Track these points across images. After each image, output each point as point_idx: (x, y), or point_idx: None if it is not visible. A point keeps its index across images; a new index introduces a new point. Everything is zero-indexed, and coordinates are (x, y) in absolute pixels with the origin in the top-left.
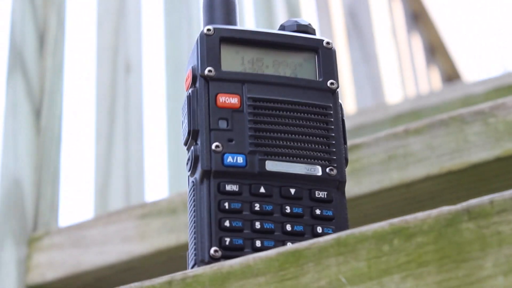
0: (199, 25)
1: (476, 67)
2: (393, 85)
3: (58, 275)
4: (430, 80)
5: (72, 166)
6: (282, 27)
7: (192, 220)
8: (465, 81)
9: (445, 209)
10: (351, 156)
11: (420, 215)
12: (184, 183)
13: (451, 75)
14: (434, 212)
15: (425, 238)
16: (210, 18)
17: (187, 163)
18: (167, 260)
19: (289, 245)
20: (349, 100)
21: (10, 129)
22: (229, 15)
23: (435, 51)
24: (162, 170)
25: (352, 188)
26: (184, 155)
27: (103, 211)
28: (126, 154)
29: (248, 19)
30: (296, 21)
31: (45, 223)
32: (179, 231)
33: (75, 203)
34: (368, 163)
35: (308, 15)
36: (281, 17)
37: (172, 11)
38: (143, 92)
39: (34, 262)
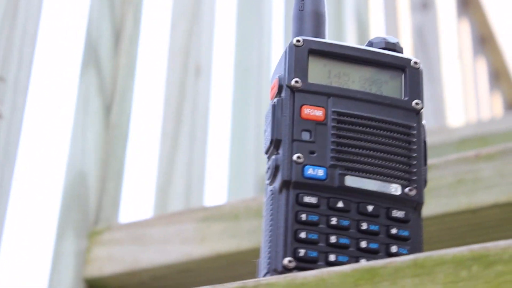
0: (269, 34)
1: None
2: (455, 108)
3: (116, 270)
4: (492, 106)
5: (136, 164)
6: (370, 43)
7: (268, 229)
8: None
9: None
10: None
11: (502, 243)
12: (243, 190)
13: None
14: None
15: (505, 267)
16: (299, 29)
17: (267, 171)
18: (226, 265)
19: (365, 262)
20: None
21: (80, 123)
22: (319, 27)
23: (500, 77)
24: (223, 175)
25: None
26: (245, 162)
27: (161, 211)
28: (190, 157)
29: None
30: (384, 39)
31: (106, 218)
32: (241, 237)
33: (135, 200)
34: (436, 185)
35: (377, 32)
36: (351, 35)
37: (244, 18)
38: (210, 96)
39: (93, 256)
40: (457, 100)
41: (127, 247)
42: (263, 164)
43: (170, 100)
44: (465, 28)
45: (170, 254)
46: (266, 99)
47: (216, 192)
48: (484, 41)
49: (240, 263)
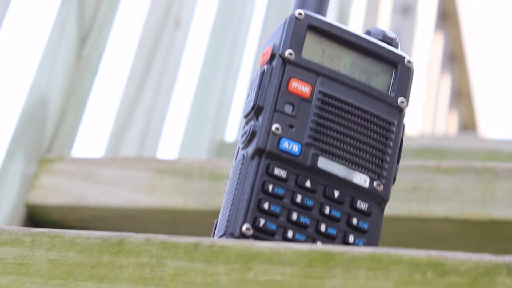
0: (253, 2)
1: (494, 123)
2: (413, 117)
3: (59, 202)
4: (448, 123)
5: (99, 101)
6: (368, 33)
7: (231, 192)
8: (487, 134)
9: (487, 257)
10: None
11: (460, 255)
12: (195, 150)
13: (468, 125)
14: (475, 257)
15: (459, 279)
16: (302, 2)
17: (242, 135)
18: (169, 220)
19: (322, 245)
20: None
21: (52, 49)
22: (322, 5)
23: (461, 96)
24: (179, 132)
25: None
26: (203, 124)
27: (112, 154)
28: (151, 106)
29: None
30: (383, 31)
31: (60, 148)
32: (189, 196)
33: (90, 137)
34: (392, 187)
35: (356, 25)
36: None
37: None
38: (184, 50)
39: (39, 182)
40: (416, 111)
41: (75, 181)
42: (220, 129)
43: (144, 46)
44: (439, 42)
45: (116, 197)
46: (236, 67)
47: (168, 147)
48: (454, 58)
49: (182, 221)
